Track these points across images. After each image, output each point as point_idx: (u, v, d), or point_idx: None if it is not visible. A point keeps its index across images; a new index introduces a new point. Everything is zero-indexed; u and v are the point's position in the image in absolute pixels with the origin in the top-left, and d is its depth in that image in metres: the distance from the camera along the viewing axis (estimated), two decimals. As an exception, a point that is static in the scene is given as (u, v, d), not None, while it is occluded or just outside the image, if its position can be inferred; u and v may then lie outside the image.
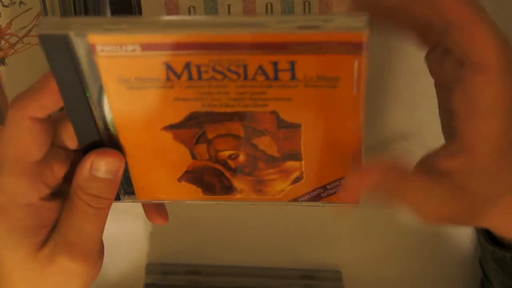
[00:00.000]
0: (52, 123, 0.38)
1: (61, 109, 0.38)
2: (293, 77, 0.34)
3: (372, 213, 0.60)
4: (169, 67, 0.34)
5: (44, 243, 0.39)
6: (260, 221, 0.61)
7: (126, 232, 0.61)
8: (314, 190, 0.41)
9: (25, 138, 0.37)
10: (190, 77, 0.35)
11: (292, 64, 0.34)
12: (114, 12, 0.49)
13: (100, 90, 0.36)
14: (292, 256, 0.63)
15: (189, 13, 0.47)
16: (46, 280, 0.40)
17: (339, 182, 0.40)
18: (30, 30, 0.50)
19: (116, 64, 0.34)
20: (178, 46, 0.33)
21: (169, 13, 0.47)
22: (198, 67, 0.34)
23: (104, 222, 0.40)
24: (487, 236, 0.45)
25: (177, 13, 0.47)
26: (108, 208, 0.40)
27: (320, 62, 0.33)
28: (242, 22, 0.32)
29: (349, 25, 0.31)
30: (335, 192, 0.40)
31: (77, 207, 0.39)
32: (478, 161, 0.35)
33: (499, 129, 0.34)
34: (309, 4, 0.47)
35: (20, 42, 0.51)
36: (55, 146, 0.39)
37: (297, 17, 0.32)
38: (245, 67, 0.34)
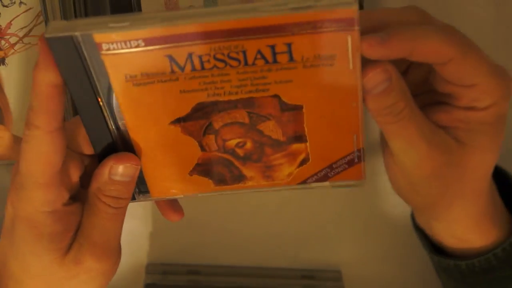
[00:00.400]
0: (65, 128, 0.39)
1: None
2: (291, 59, 0.36)
3: (372, 213, 0.60)
4: (172, 59, 0.35)
5: (69, 247, 0.41)
6: (260, 221, 0.61)
7: (126, 232, 0.61)
8: (321, 171, 0.42)
9: (48, 152, 0.38)
10: (193, 68, 0.36)
11: (289, 46, 0.35)
12: (114, 13, 0.49)
13: (109, 89, 0.37)
14: (292, 256, 0.63)
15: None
16: (71, 281, 0.41)
17: (344, 160, 0.41)
18: (30, 30, 0.50)
19: (122, 61, 0.35)
20: (179, 38, 0.34)
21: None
22: (200, 57, 0.35)
23: (123, 221, 0.42)
24: (433, 249, 0.48)
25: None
26: (126, 207, 0.42)
27: (315, 41, 0.35)
28: (237, 8, 0.34)
29: (339, 2, 0.33)
30: (341, 171, 0.42)
31: (98, 208, 0.41)
32: (478, 114, 0.38)
33: (492, 87, 0.38)
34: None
35: (20, 42, 0.51)
36: (70, 150, 0.41)
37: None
38: (244, 53, 0.35)
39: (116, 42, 0.35)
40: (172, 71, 0.36)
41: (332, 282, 0.62)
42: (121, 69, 0.36)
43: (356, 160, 0.41)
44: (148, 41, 0.34)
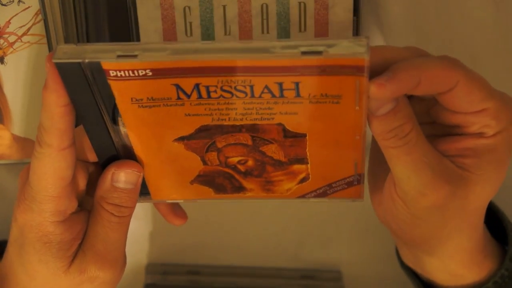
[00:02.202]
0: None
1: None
2: (298, 95, 0.36)
3: (372, 213, 0.60)
4: (179, 87, 0.36)
5: (75, 255, 0.41)
6: (260, 221, 0.61)
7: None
8: (320, 188, 0.42)
9: (61, 168, 0.39)
10: (200, 96, 0.36)
11: (297, 84, 0.35)
12: (110, 11, 0.49)
13: (114, 108, 0.38)
14: (292, 256, 0.63)
15: (184, 13, 0.48)
16: None
17: (344, 181, 0.42)
18: (29, 29, 0.50)
19: (129, 86, 0.36)
20: (187, 71, 0.35)
21: (164, 13, 0.48)
22: (207, 88, 0.36)
23: (127, 230, 0.43)
24: (423, 287, 0.47)
25: (173, 13, 0.48)
26: (129, 217, 0.42)
27: (323, 82, 0.35)
28: (247, 47, 0.34)
29: (351, 51, 0.33)
30: (340, 190, 0.42)
31: (101, 216, 0.41)
32: (488, 141, 0.38)
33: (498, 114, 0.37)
34: (305, 5, 0.48)
35: (19, 40, 0.51)
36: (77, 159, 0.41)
37: (301, 42, 0.33)
38: (251, 87, 0.35)
39: (124, 70, 0.35)
40: (179, 98, 0.36)
41: (332, 282, 0.62)
42: (127, 93, 0.36)
43: (355, 182, 0.41)
44: (156, 72, 0.35)
